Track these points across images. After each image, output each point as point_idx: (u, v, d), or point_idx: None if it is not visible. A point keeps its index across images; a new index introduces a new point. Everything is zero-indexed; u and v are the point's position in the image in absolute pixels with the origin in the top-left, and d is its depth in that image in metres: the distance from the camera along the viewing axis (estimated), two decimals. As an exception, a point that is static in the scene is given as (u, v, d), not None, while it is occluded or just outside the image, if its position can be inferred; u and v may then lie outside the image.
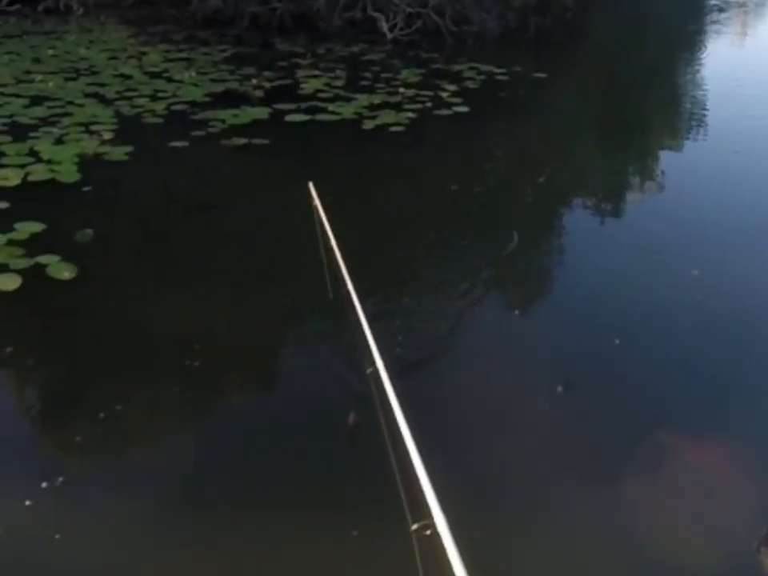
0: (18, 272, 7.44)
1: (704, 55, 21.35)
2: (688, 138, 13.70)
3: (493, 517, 5.18)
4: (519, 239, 9.11)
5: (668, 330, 7.51)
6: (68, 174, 9.70)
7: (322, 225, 5.14)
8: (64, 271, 7.48)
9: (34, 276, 7.44)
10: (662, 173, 11.71)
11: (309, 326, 7.04)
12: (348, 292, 4.48)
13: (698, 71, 19.26)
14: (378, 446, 5.26)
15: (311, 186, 5.67)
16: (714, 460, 5.89)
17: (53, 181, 9.54)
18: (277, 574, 4.78)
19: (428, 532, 2.56)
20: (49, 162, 10.03)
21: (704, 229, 9.43)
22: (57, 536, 4.88)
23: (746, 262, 8.71)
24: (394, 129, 12.16)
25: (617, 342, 7.14)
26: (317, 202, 5.38)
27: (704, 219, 9.67)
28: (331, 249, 4.95)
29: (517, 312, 7.84)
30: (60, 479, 5.28)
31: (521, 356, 7.00)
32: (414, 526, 2.61)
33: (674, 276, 8.33)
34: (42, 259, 7.64)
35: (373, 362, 3.85)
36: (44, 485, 5.23)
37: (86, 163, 10.10)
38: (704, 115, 14.70)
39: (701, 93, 16.78)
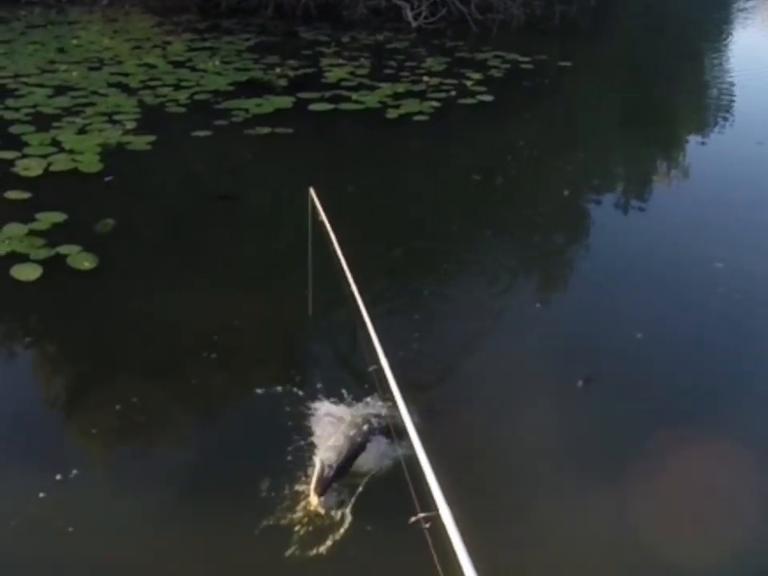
0: (39, 262, 7.46)
1: (730, 44, 21.15)
2: (713, 128, 13.57)
3: (504, 506, 5.23)
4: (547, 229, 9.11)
5: (690, 324, 7.46)
6: (90, 163, 9.70)
7: (323, 228, 5.04)
8: (84, 261, 7.48)
9: (55, 266, 7.45)
10: (688, 164, 11.60)
11: (326, 317, 6.96)
12: (352, 292, 4.44)
13: (723, 60, 19.05)
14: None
15: (312, 192, 5.56)
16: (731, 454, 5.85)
17: (75, 171, 9.55)
18: (294, 561, 4.74)
19: (428, 524, 2.64)
20: (71, 151, 10.03)
21: (728, 221, 9.33)
22: (69, 528, 4.89)
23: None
24: (417, 118, 12.09)
25: (639, 336, 7.08)
26: (318, 208, 5.28)
27: (729, 211, 9.57)
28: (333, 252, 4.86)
29: (538, 305, 7.78)
30: (74, 471, 5.28)
31: (541, 349, 6.96)
32: (422, 515, 2.66)
33: (698, 269, 8.27)
34: (63, 249, 7.64)
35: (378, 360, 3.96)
36: (58, 477, 5.23)
37: (109, 153, 10.10)
38: (729, 105, 14.56)
39: (726, 82, 16.60)
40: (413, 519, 2.71)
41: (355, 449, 5.37)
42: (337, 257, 5.05)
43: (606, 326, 7.38)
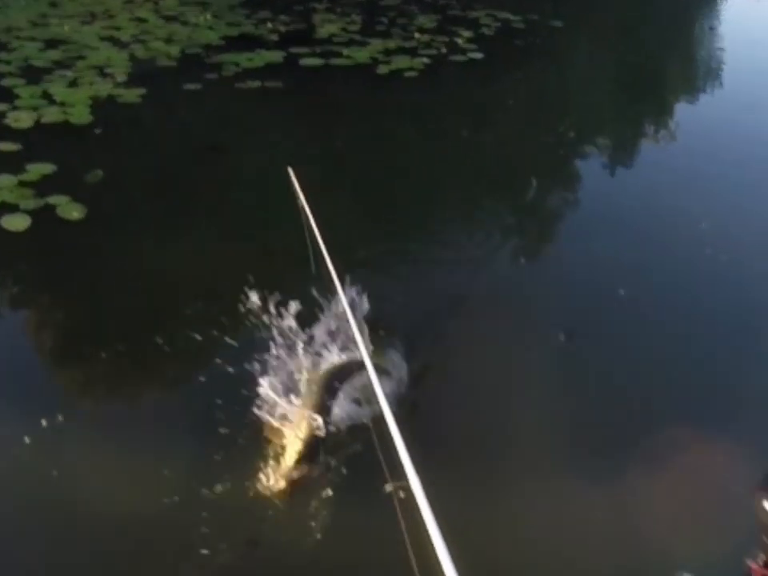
0: (29, 212, 7.54)
1: (722, 8, 21.07)
2: (703, 91, 13.59)
3: (479, 469, 5.30)
4: (535, 186, 9.18)
5: (674, 282, 7.53)
6: (80, 116, 9.73)
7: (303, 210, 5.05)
8: (73, 211, 7.56)
9: (44, 216, 7.53)
10: (677, 124, 11.64)
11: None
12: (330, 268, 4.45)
13: (715, 24, 19.00)
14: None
15: (291, 171, 5.60)
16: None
17: (65, 123, 9.58)
18: (270, 521, 4.89)
19: (402, 493, 2.61)
20: (62, 104, 10.06)
21: (714, 182, 9.39)
22: (54, 472, 5.00)
23: (756, 217, 8.70)
24: (408, 74, 12.11)
25: (621, 292, 7.16)
26: (296, 187, 5.29)
27: (715, 172, 9.62)
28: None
29: (523, 259, 7.87)
30: (60, 417, 5.38)
31: (524, 303, 7.05)
32: (389, 487, 2.68)
33: (682, 228, 8.33)
34: (52, 200, 7.72)
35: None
36: (44, 422, 5.33)
37: (99, 106, 10.12)
38: (719, 69, 14.55)
39: (717, 46, 16.58)
40: (386, 488, 2.72)
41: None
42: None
43: (590, 281, 7.47)
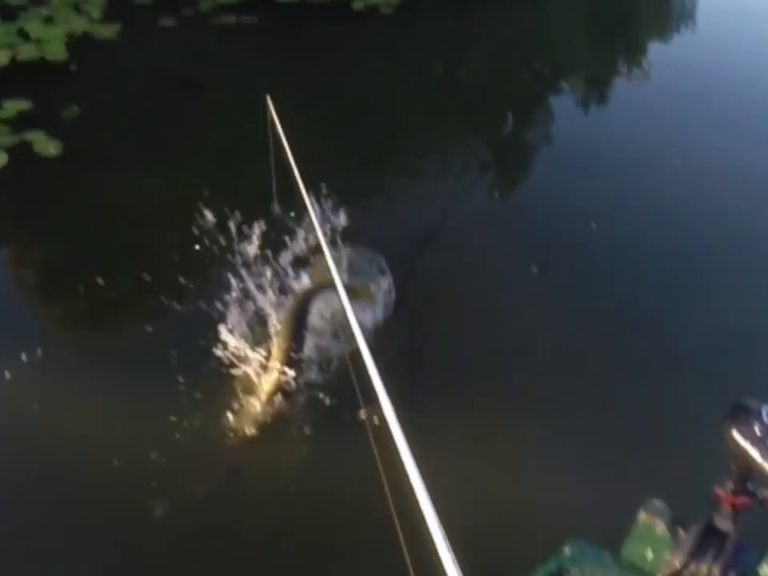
0: (5, 149, 7.59)
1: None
2: (677, 31, 13.51)
3: (452, 399, 5.46)
4: (510, 121, 9.25)
5: (646, 216, 7.66)
6: (56, 53, 9.70)
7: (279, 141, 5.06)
8: (50, 148, 7.62)
9: (21, 153, 7.59)
10: (650, 64, 11.65)
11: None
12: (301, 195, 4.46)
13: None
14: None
15: (269, 101, 5.63)
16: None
17: (41, 60, 9.54)
18: (245, 453, 5.08)
19: (376, 420, 2.60)
20: (37, 41, 10.00)
21: (686, 120, 9.46)
22: (35, 406, 5.17)
23: (727, 154, 8.80)
24: (384, 10, 12.02)
25: (594, 226, 7.28)
26: (274, 116, 5.30)
27: (687, 111, 9.69)
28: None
29: (496, 193, 7.97)
30: (39, 352, 5.52)
31: (497, 236, 7.17)
32: (363, 413, 2.66)
33: (655, 165, 8.42)
34: (29, 136, 7.77)
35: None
36: (23, 357, 5.47)
37: (75, 42, 10.05)
38: (694, 9, 14.47)
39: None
40: (360, 415, 2.69)
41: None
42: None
43: (562, 215, 7.57)
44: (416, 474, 2.24)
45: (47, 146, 7.61)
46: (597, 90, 10.77)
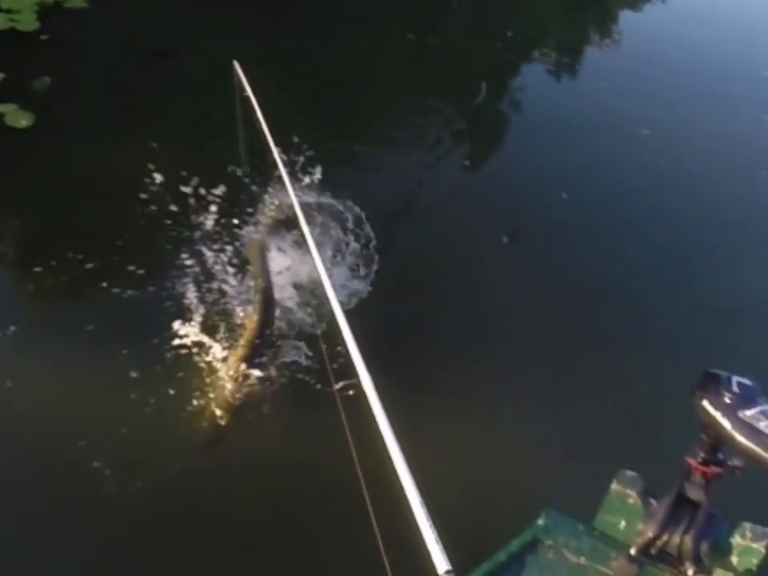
0: (-23, 121, 7.48)
1: None
2: (648, 1, 13.55)
3: (420, 371, 5.49)
4: (481, 90, 9.25)
5: (616, 186, 7.75)
6: (27, 22, 9.58)
7: (248, 105, 5.02)
8: (22, 119, 7.55)
9: (-9, 123, 7.47)
10: (621, 33, 11.68)
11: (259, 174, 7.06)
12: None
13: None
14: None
15: (237, 66, 5.60)
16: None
17: (12, 30, 9.42)
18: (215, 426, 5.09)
19: (351, 392, 2.61)
20: (8, 11, 9.85)
21: (657, 89, 9.54)
22: (8, 383, 5.15)
23: (696, 124, 8.85)
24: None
25: (564, 196, 7.33)
26: (244, 83, 5.25)
27: (658, 80, 9.77)
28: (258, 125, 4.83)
29: (467, 162, 7.99)
30: (12, 328, 5.51)
31: (468, 206, 7.24)
32: (337, 386, 2.67)
33: (625, 135, 8.49)
34: (0, 108, 7.68)
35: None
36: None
37: (46, 11, 9.93)
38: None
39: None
40: (334, 388, 2.69)
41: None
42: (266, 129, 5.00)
43: (533, 185, 7.66)
44: (394, 445, 2.27)
45: (19, 117, 7.56)
46: (568, 58, 10.83)
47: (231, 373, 5.28)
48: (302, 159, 6.72)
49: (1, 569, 4.25)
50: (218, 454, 5.07)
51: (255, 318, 5.51)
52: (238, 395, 5.23)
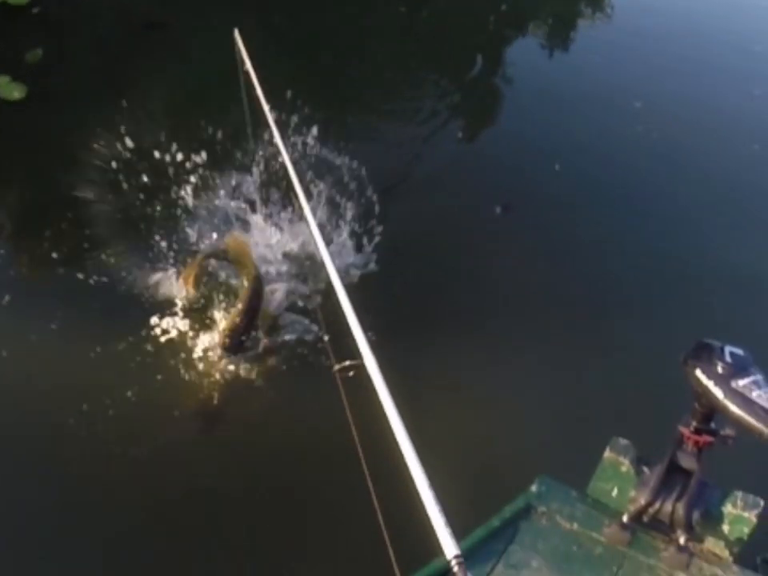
0: (-31, 93, 7.46)
1: None
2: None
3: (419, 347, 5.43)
4: (474, 63, 9.23)
5: (608, 158, 7.75)
6: (18, -5, 9.54)
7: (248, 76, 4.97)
8: (14, 91, 7.54)
9: (-16, 97, 7.45)
10: (612, 7, 11.61)
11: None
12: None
13: None
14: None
15: (237, 34, 5.57)
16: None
17: (3, 3, 9.34)
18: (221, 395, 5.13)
19: (351, 373, 2.56)
20: (-2, -16, 9.83)
21: (649, 63, 9.52)
22: (3, 353, 5.19)
23: (690, 97, 8.86)
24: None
25: (557, 167, 7.35)
26: (243, 54, 5.19)
27: (650, 54, 9.75)
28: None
29: (460, 134, 8.00)
30: (7, 297, 5.56)
31: (462, 177, 7.25)
32: (337, 366, 2.58)
33: (617, 107, 8.50)
34: (-8, 81, 7.65)
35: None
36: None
37: (36, -15, 9.91)
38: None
39: None
40: (335, 368, 2.60)
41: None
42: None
43: (526, 157, 7.66)
44: (395, 414, 2.29)
45: (11, 89, 7.54)
46: (561, 32, 10.77)
47: (226, 338, 5.29)
48: (299, 125, 6.68)
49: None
50: (211, 428, 5.11)
51: (243, 303, 5.44)
52: (230, 367, 5.26)
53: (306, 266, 5.92)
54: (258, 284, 5.47)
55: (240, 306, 5.36)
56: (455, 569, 1.86)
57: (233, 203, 6.35)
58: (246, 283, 5.42)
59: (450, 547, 1.90)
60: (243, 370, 5.29)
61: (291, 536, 4.43)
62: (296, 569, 4.29)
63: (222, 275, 5.82)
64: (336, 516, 4.44)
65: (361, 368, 2.51)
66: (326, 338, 3.14)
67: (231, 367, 5.28)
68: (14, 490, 4.55)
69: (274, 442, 4.87)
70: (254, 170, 6.46)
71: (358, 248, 6.18)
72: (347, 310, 2.74)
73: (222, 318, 5.50)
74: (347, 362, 2.56)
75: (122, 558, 4.31)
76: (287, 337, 5.50)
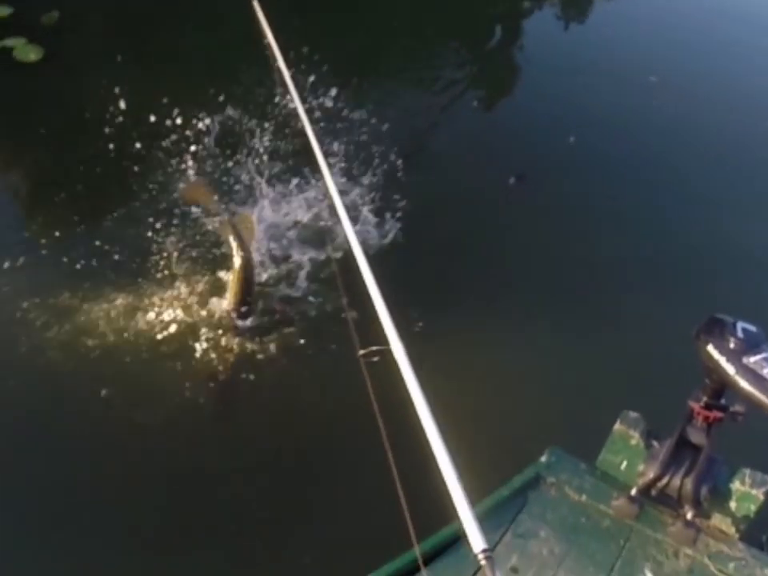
0: (-15, 55, 7.46)
1: None
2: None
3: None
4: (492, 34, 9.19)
5: (622, 132, 7.73)
6: (34, -43, 9.49)
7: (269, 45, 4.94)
8: (30, 53, 7.54)
9: (1, 59, 7.51)
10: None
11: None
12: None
13: None
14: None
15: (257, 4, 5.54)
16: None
17: (20, -35, 9.36)
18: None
19: (375, 358, 2.49)
20: (14, -55, 9.79)
21: (666, 37, 9.46)
22: (18, 314, 5.22)
23: (705, 73, 8.83)
24: None
25: (571, 139, 7.34)
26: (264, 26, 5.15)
27: (667, 28, 9.69)
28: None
29: (476, 104, 7.97)
30: (21, 258, 5.59)
31: (477, 147, 7.24)
32: (362, 352, 2.50)
33: (633, 81, 8.45)
34: (9, 42, 7.67)
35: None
36: (6, 265, 5.54)
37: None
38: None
39: None
40: (360, 353, 2.51)
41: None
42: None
43: (540, 128, 7.66)
44: (416, 388, 2.29)
45: (27, 51, 7.54)
46: (578, 4, 10.68)
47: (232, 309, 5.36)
48: (319, 91, 6.67)
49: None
50: (228, 388, 5.13)
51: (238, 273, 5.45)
52: (247, 335, 5.30)
53: (323, 236, 5.91)
54: (248, 255, 5.47)
55: (235, 275, 5.40)
56: (482, 563, 1.87)
57: (251, 169, 6.32)
58: (238, 255, 5.42)
59: (477, 541, 1.90)
60: (259, 339, 5.31)
61: (309, 501, 4.49)
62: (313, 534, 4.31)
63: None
64: (354, 486, 4.46)
65: (386, 353, 2.46)
66: (349, 319, 2.83)
67: (247, 335, 5.31)
68: (29, 447, 4.60)
69: (289, 411, 4.90)
70: (272, 136, 6.45)
71: (376, 217, 6.17)
72: (374, 293, 2.69)
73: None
74: (372, 348, 2.49)
75: (147, 524, 4.34)
76: (305, 298, 5.57)
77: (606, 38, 9.45)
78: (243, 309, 5.37)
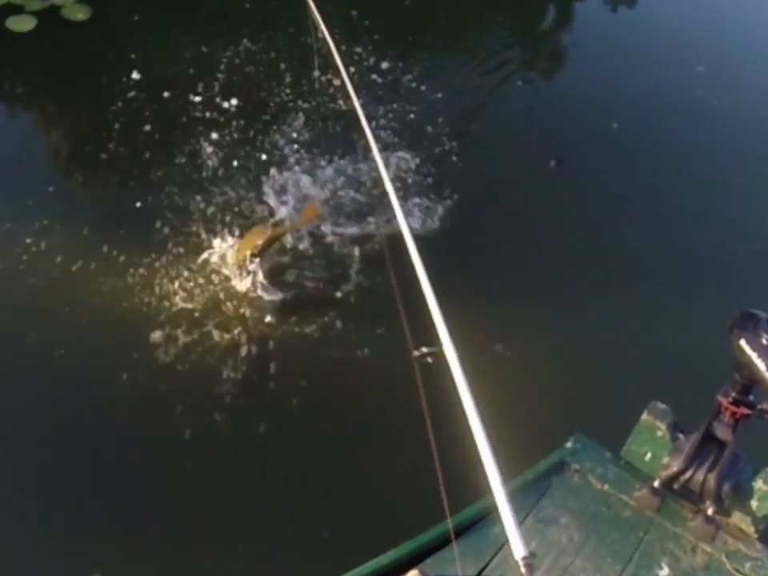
0: (34, 13, 7.49)
1: None
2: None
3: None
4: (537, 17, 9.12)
5: (667, 121, 7.66)
6: None
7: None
8: (78, 13, 7.55)
9: (49, 18, 7.48)
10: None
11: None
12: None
13: None
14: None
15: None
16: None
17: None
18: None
19: (429, 359, 2.48)
20: None
21: (716, 27, 9.35)
22: (59, 259, 5.34)
23: (754, 64, 8.73)
24: None
25: (614, 126, 7.30)
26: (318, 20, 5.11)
27: (719, 17, 9.57)
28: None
29: (521, 84, 7.93)
30: (60, 215, 5.66)
31: (519, 129, 7.24)
32: (416, 353, 2.49)
33: (680, 70, 8.36)
34: (57, 1, 7.65)
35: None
36: (45, 222, 5.59)
37: None
38: None
39: None
40: (415, 354, 2.50)
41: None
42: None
43: (584, 113, 7.62)
44: (458, 369, 2.33)
45: (75, 11, 7.55)
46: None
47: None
48: (366, 70, 6.69)
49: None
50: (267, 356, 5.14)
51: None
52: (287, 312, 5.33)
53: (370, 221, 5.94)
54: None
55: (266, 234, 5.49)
56: (523, 570, 1.90)
57: (291, 141, 6.34)
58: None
59: (518, 548, 1.94)
60: (291, 315, 5.35)
61: (347, 472, 4.54)
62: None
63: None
64: (392, 463, 4.48)
65: (439, 355, 2.44)
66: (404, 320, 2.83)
67: (288, 311, 5.35)
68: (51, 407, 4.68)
69: (323, 385, 4.94)
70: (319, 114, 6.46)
71: (423, 197, 6.21)
72: (410, 245, 2.78)
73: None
74: (425, 349, 2.49)
75: (183, 493, 4.45)
76: (355, 274, 5.62)
77: (654, 25, 9.33)
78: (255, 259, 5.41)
